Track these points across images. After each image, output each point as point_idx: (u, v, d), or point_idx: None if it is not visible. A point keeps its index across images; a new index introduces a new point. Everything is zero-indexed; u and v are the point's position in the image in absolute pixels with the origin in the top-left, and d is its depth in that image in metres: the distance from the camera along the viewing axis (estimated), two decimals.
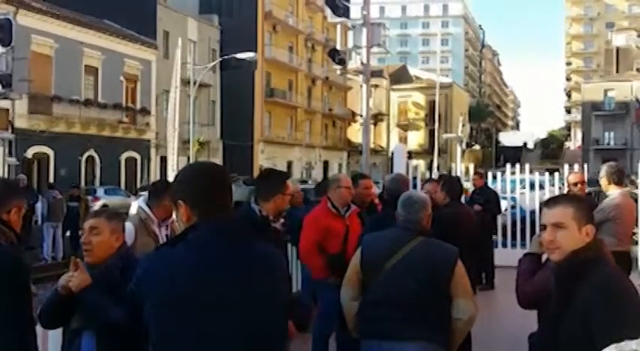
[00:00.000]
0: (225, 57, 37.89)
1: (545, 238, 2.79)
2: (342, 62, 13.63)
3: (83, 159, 36.34)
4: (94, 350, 3.43)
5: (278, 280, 2.54)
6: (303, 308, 8.48)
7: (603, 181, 7.23)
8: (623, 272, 2.72)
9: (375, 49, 14.29)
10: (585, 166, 16.19)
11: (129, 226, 4.93)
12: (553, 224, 2.77)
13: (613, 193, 7.06)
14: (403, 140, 77.51)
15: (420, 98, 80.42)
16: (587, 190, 8.23)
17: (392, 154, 15.69)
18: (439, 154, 53.63)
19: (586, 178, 13.62)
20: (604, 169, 7.27)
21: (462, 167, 18.02)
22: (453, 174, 15.90)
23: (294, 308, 4.57)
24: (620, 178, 7.21)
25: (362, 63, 13.77)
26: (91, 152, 36.65)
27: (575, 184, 7.92)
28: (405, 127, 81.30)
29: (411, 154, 24.01)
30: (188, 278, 2.34)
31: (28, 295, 3.25)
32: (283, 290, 2.59)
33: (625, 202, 7.12)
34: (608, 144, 71.57)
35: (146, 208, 4.99)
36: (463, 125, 39.33)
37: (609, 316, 2.46)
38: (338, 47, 13.79)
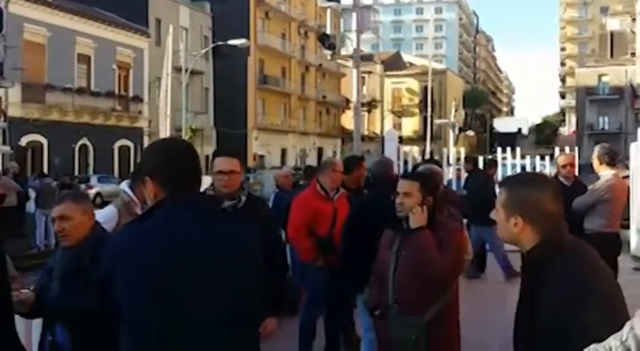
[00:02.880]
0: (218, 43, 37.79)
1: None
2: (333, 47, 13.59)
3: (77, 147, 36.31)
4: (67, 336, 3.48)
5: (249, 254, 2.50)
6: (292, 291, 8.54)
7: (595, 163, 7.16)
8: (588, 266, 2.40)
9: (368, 36, 14.30)
10: (577, 149, 16.23)
11: (112, 209, 4.99)
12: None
13: (606, 174, 6.99)
14: (397, 127, 77.29)
15: (414, 85, 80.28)
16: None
17: (382, 139, 15.69)
18: (433, 140, 53.64)
19: (577, 162, 13.68)
20: (596, 150, 7.21)
21: (454, 153, 18.06)
22: (445, 160, 15.94)
23: (284, 292, 4.61)
24: (611, 158, 7.11)
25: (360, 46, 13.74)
26: (85, 140, 36.61)
27: (564, 166, 7.79)
28: (399, 113, 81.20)
29: (401, 139, 24.04)
30: (157, 254, 2.31)
31: (4, 277, 3.25)
32: (256, 265, 2.55)
33: (618, 184, 7.08)
34: (603, 129, 71.62)
35: (129, 192, 5.02)
36: (456, 110, 39.32)
37: (574, 317, 2.25)
38: (328, 32, 13.78)
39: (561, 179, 7.77)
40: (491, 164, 12.52)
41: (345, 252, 5.63)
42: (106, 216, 4.85)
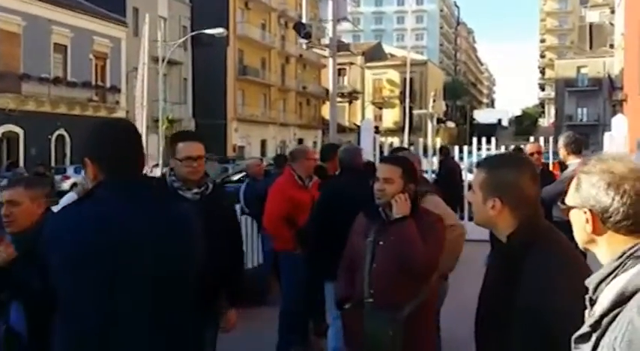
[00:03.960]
0: (195, 33, 37.56)
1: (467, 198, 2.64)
2: (309, 36, 13.49)
3: (53, 138, 35.95)
4: (23, 319, 3.40)
5: (185, 239, 2.47)
6: (261, 281, 8.49)
7: (562, 152, 7.18)
8: (565, 255, 2.33)
9: (346, 27, 14.26)
10: (551, 140, 16.25)
11: (72, 195, 4.97)
12: (470, 187, 2.56)
13: (573, 163, 6.97)
14: (378, 118, 77.39)
15: (395, 76, 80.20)
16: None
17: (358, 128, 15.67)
18: (413, 132, 53.70)
19: (551, 153, 13.70)
20: (561, 140, 7.20)
21: (431, 143, 18.06)
22: (421, 150, 15.94)
23: (243, 282, 4.48)
24: (577, 147, 7.13)
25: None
26: (61, 131, 36.24)
27: (532, 154, 7.77)
28: (379, 104, 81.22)
29: (377, 129, 24.03)
30: (92, 234, 2.28)
31: None
32: (190, 250, 2.51)
33: None
34: (581, 120, 72.16)
35: None
36: (434, 101, 39.43)
37: (546, 307, 2.20)
38: (304, 21, 13.69)
39: None
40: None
41: (313, 239, 5.56)
42: (66, 203, 4.78)
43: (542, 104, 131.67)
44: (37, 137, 34.09)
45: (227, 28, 41.35)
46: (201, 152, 4.03)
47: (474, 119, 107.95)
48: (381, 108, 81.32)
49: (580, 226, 1.83)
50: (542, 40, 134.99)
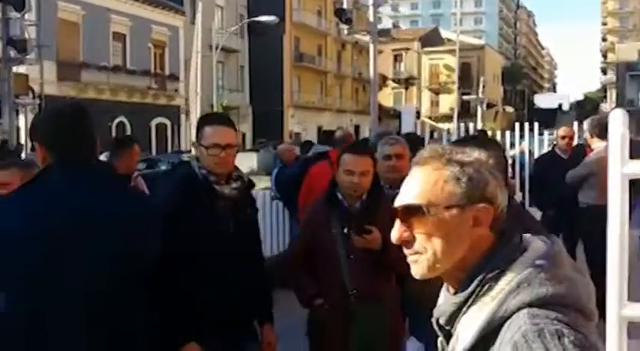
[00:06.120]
0: (248, 20, 37.99)
1: None
2: (349, 21, 13.73)
3: (114, 125, 36.84)
4: None
5: (138, 230, 2.42)
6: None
7: (587, 136, 7.22)
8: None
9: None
10: None
11: None
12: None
13: (597, 146, 6.95)
14: (435, 104, 76.83)
15: (452, 61, 79.24)
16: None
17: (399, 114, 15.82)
18: (470, 117, 53.10)
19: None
20: (587, 123, 7.25)
21: (476, 128, 18.02)
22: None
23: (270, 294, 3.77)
24: (601, 131, 7.16)
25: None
26: (122, 118, 37.13)
27: (563, 138, 7.92)
28: (436, 90, 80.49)
29: (419, 114, 24.07)
30: (36, 220, 2.24)
31: None
32: (145, 244, 2.45)
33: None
34: None
35: None
36: (484, 86, 39.05)
37: None
38: (344, 6, 13.91)
39: (557, 151, 7.96)
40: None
41: None
42: None
43: (604, 88, 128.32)
44: (98, 125, 34.58)
45: (283, 15, 41.71)
46: (232, 140, 3.27)
47: (534, 104, 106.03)
48: (437, 94, 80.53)
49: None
50: (604, 23, 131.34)
